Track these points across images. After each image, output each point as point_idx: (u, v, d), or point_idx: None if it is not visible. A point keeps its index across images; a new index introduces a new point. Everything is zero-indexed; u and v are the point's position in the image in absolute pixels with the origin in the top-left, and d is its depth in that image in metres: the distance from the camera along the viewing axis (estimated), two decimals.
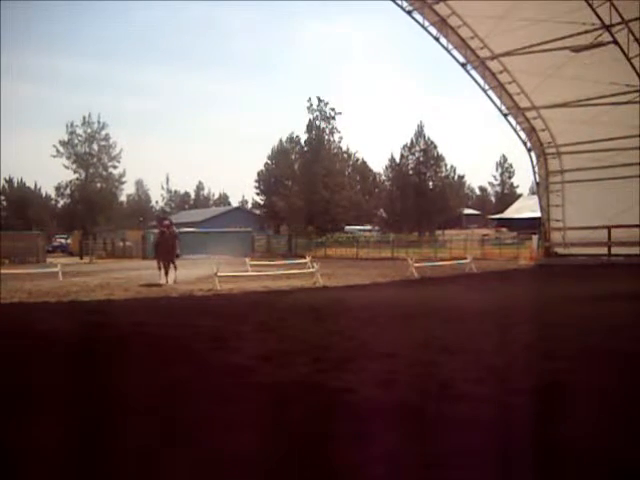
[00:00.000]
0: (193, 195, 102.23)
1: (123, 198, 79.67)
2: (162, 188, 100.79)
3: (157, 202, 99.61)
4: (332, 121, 59.34)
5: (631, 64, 20.88)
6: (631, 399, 4.73)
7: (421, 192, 62.27)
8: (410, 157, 65.17)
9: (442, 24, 25.36)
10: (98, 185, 64.38)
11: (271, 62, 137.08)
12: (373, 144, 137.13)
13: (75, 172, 63.48)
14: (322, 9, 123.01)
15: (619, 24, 20.51)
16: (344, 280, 19.16)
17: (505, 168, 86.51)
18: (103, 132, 63.15)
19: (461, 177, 72.16)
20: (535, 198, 34.65)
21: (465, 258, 26.16)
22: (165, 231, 18.92)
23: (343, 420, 4.33)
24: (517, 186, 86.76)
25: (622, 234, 24.61)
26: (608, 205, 24.43)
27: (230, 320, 9.83)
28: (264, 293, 14.98)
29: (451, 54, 26.35)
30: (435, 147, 64.83)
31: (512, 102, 27.50)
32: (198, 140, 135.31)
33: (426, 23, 25.46)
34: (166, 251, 18.33)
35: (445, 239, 48.87)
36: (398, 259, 33.58)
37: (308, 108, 58.91)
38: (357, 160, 68.33)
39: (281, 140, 63.85)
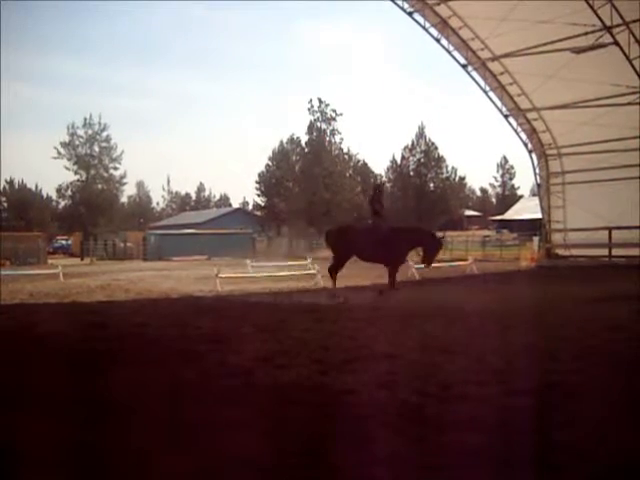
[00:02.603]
0: (194, 196, 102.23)
1: (124, 199, 79.80)
2: (163, 189, 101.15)
3: (158, 203, 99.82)
4: (333, 122, 59.39)
5: (632, 65, 20.86)
6: (632, 399, 4.72)
7: (422, 193, 62.23)
8: (411, 158, 65.17)
9: (443, 25, 25.38)
10: (99, 186, 64.34)
11: (272, 63, 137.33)
12: (374, 145, 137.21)
13: (76, 173, 63.45)
14: (323, 10, 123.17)
15: (620, 25, 20.50)
16: (344, 281, 19.11)
17: (506, 169, 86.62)
18: (104, 133, 63.17)
19: (462, 178, 72.08)
20: (536, 199, 34.60)
21: (466, 259, 26.16)
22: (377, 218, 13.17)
23: (343, 420, 4.32)
24: (518, 187, 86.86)
25: (623, 235, 24.58)
26: (609, 206, 24.41)
27: (231, 321, 9.83)
28: (265, 294, 14.97)
29: (452, 55, 26.38)
30: (436, 148, 64.87)
31: (513, 103, 27.49)
32: (199, 141, 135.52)
33: (427, 24, 25.48)
34: (391, 247, 12.82)
35: (446, 240, 48.81)
36: None
37: (309, 109, 59.00)
38: (358, 161, 68.29)
39: (282, 141, 63.91)
